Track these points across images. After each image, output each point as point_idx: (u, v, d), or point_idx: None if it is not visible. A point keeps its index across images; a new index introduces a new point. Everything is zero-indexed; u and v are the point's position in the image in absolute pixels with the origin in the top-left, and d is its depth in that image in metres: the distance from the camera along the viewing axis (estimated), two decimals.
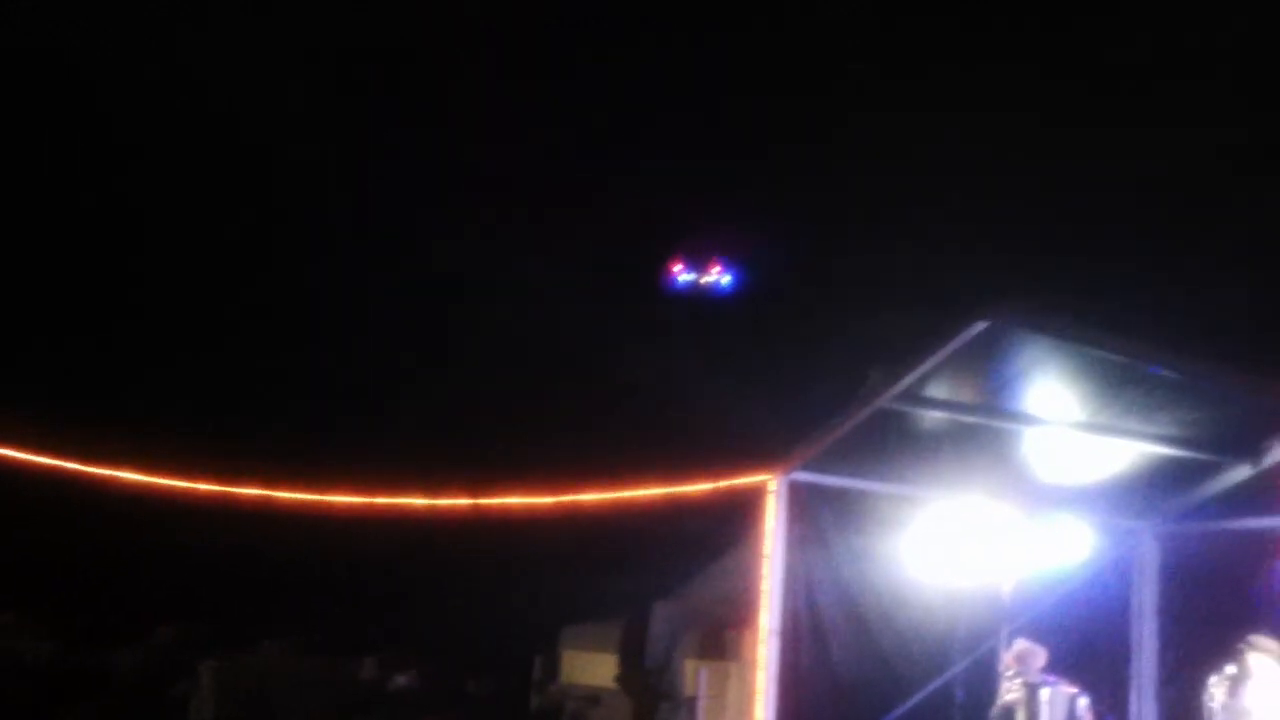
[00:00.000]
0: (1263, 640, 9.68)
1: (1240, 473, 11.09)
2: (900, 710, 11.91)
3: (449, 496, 12.14)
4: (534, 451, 12.49)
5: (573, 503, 11.87)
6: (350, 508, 12.25)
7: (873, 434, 10.70)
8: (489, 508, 11.96)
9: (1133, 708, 12.34)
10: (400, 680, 11.56)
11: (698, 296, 17.72)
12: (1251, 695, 9.57)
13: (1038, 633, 11.26)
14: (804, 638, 11.51)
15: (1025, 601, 11.85)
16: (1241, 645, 9.75)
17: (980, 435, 10.87)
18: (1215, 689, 9.75)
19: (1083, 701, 10.74)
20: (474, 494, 12.06)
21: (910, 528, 11.48)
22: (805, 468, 11.30)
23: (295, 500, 12.10)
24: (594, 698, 13.17)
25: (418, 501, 12.28)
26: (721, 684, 11.96)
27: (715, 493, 11.44)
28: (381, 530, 12.46)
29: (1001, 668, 11.12)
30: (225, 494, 12.77)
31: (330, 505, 12.22)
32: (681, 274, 18.04)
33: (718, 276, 18.06)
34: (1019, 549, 11.47)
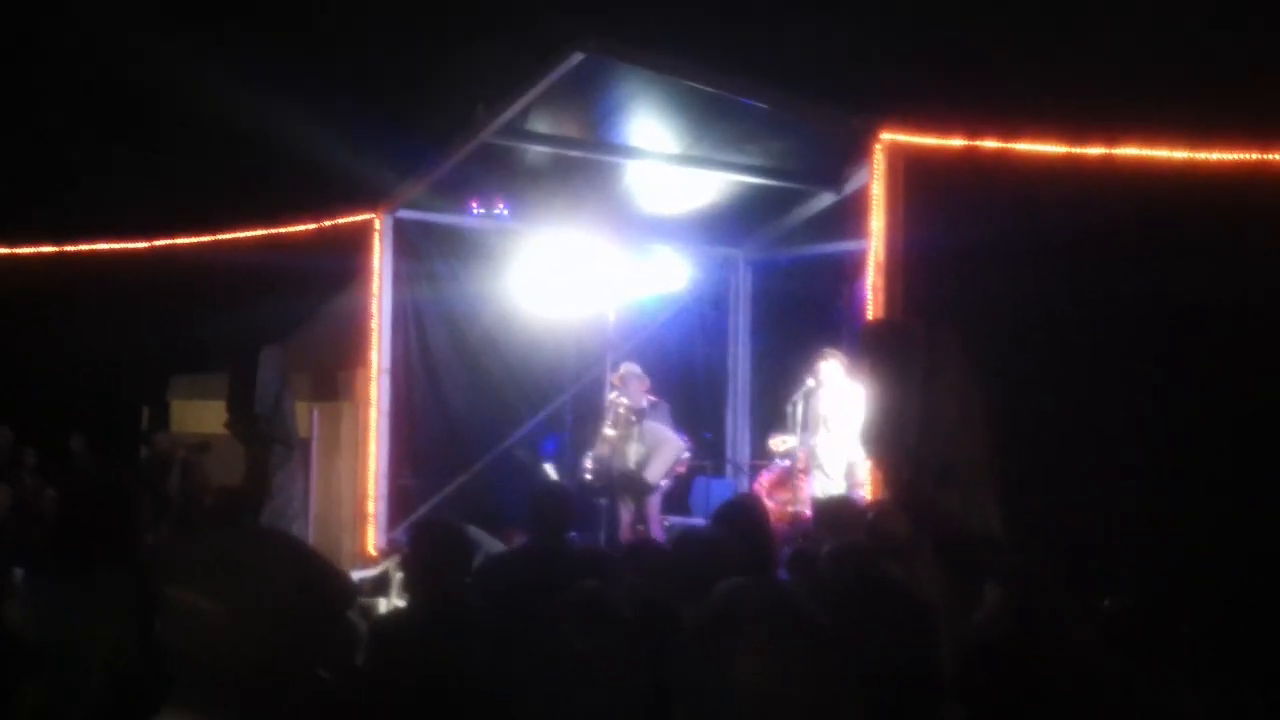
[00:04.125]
0: (833, 351, 10.42)
1: (824, 200, 11.71)
2: (513, 438, 12.30)
3: (31, 244, 11.44)
4: (126, 195, 11.82)
5: (169, 247, 11.41)
6: None
7: (477, 169, 10.71)
8: (77, 254, 11.36)
9: (729, 421, 13.17)
10: None
11: None
12: (825, 401, 10.33)
13: (642, 358, 11.75)
14: (415, 374, 11.66)
15: (629, 329, 12.34)
16: (817, 357, 10.46)
17: (583, 169, 11.03)
18: (797, 400, 10.46)
19: (685, 455, 11.34)
20: (59, 241, 11.40)
21: (516, 262, 11.65)
22: (410, 205, 11.24)
23: None
24: (205, 445, 12.91)
25: None
26: (335, 424, 11.96)
27: (320, 233, 11.25)
28: None
29: (608, 391, 11.57)
30: None
31: None
32: None
33: None
34: (622, 279, 11.86)
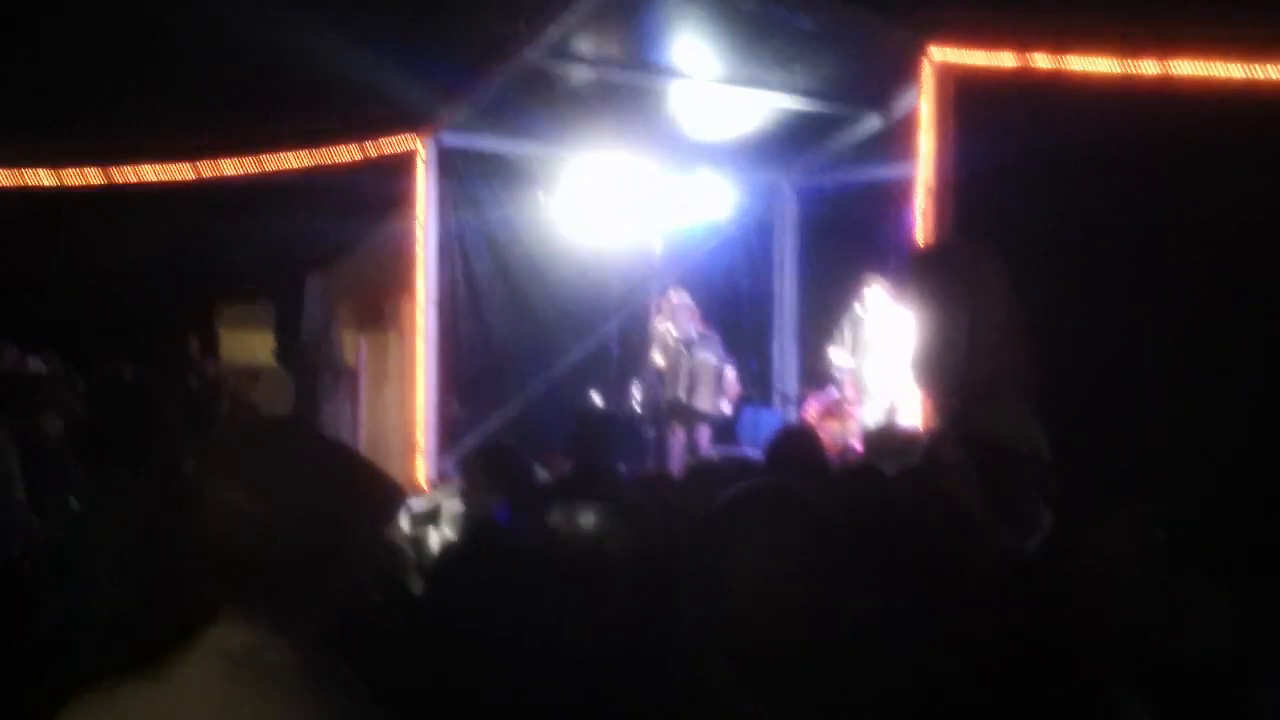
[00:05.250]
0: (878, 278, 10.31)
1: (871, 124, 11.53)
2: (558, 369, 12.27)
3: (77, 169, 11.43)
4: (168, 120, 11.74)
5: (213, 173, 11.39)
6: None
7: (520, 93, 10.59)
8: (122, 181, 11.35)
9: (774, 350, 13.08)
10: (34, 363, 10.94)
11: None
12: (872, 328, 10.24)
13: (688, 286, 11.68)
14: (460, 302, 11.63)
15: (675, 257, 12.25)
16: (864, 283, 10.37)
17: (627, 92, 10.89)
18: (844, 327, 10.38)
19: (730, 374, 11.25)
20: (105, 166, 11.39)
21: (560, 188, 11.57)
22: (454, 130, 11.16)
23: None
24: (254, 374, 13.02)
25: (43, 175, 11.55)
26: (382, 353, 11.99)
27: (363, 160, 11.18)
28: (3, 209, 11.66)
29: (654, 321, 11.53)
30: None
31: None
32: None
33: None
34: (667, 206, 11.76)
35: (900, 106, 10.68)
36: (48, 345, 10.99)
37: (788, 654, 1.93)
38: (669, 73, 10.71)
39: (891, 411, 10.04)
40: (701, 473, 5.29)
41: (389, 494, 2.13)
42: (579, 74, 10.51)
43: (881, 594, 2.55)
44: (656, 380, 11.28)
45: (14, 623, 4.41)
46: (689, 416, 11.07)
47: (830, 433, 10.59)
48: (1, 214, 11.83)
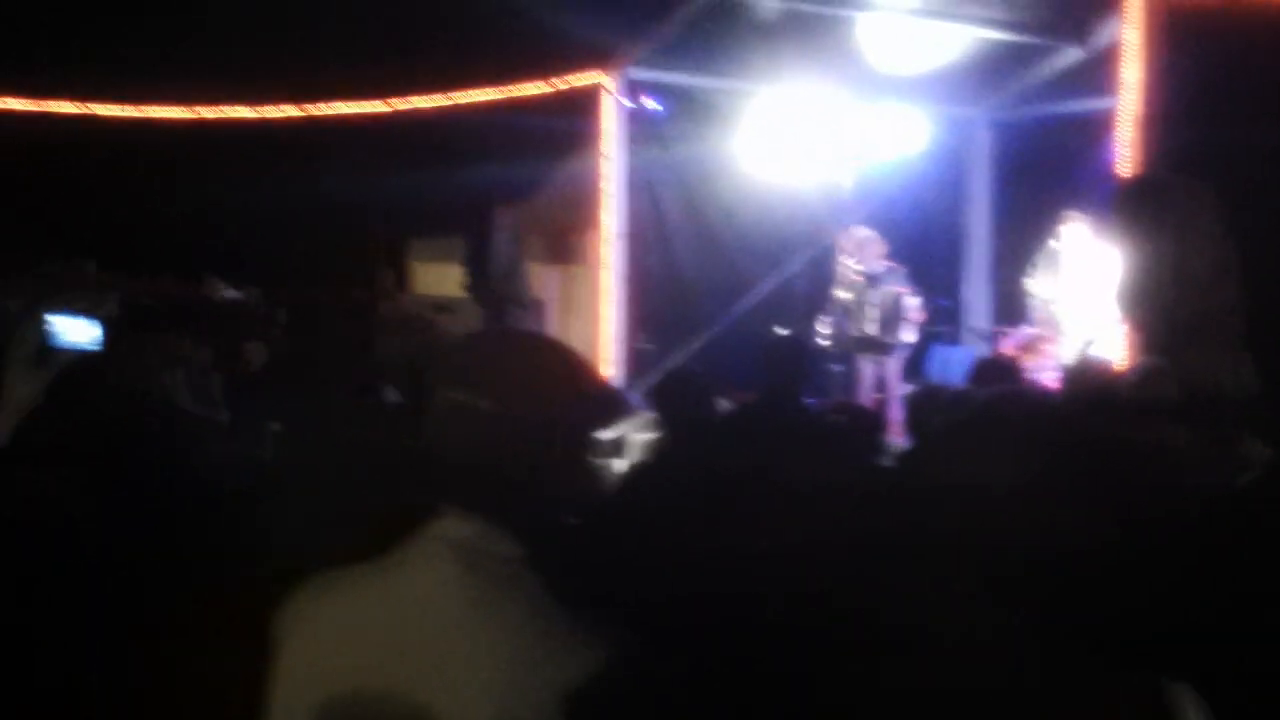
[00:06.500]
0: (1076, 215, 10.00)
1: (1071, 56, 11.14)
2: (743, 305, 12.24)
3: (276, 105, 11.73)
4: (364, 57, 11.96)
5: (408, 109, 11.59)
6: (172, 120, 11.73)
7: (708, 27, 10.51)
8: (319, 117, 11.63)
9: (966, 287, 12.82)
10: (231, 293, 11.28)
11: None
12: (1069, 265, 9.96)
13: (876, 223, 11.49)
14: (648, 238, 11.67)
15: (863, 193, 12.06)
16: (1059, 222, 10.07)
17: (816, 24, 10.69)
18: (1037, 267, 10.12)
19: (912, 301, 11.06)
20: (302, 102, 11.67)
21: (749, 123, 11.47)
22: (641, 65, 11.15)
23: (111, 115, 11.53)
24: (445, 306, 13.28)
25: (243, 112, 11.87)
26: (570, 287, 12.13)
27: (552, 94, 11.26)
28: (207, 143, 12.00)
29: (840, 257, 11.39)
30: (35, 110, 12.09)
31: (150, 119, 11.68)
32: None
33: None
34: (857, 141, 11.57)
35: (1102, 37, 10.30)
36: (251, 280, 11.36)
37: (1038, 565, 1.90)
38: (859, 4, 10.49)
39: (1089, 349, 9.78)
40: (923, 399, 5.24)
41: (613, 395, 2.13)
42: (767, 6, 10.37)
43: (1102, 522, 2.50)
44: (842, 315, 11.17)
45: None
46: (875, 349, 10.96)
47: (1025, 370, 10.35)
48: (205, 151, 12.21)
